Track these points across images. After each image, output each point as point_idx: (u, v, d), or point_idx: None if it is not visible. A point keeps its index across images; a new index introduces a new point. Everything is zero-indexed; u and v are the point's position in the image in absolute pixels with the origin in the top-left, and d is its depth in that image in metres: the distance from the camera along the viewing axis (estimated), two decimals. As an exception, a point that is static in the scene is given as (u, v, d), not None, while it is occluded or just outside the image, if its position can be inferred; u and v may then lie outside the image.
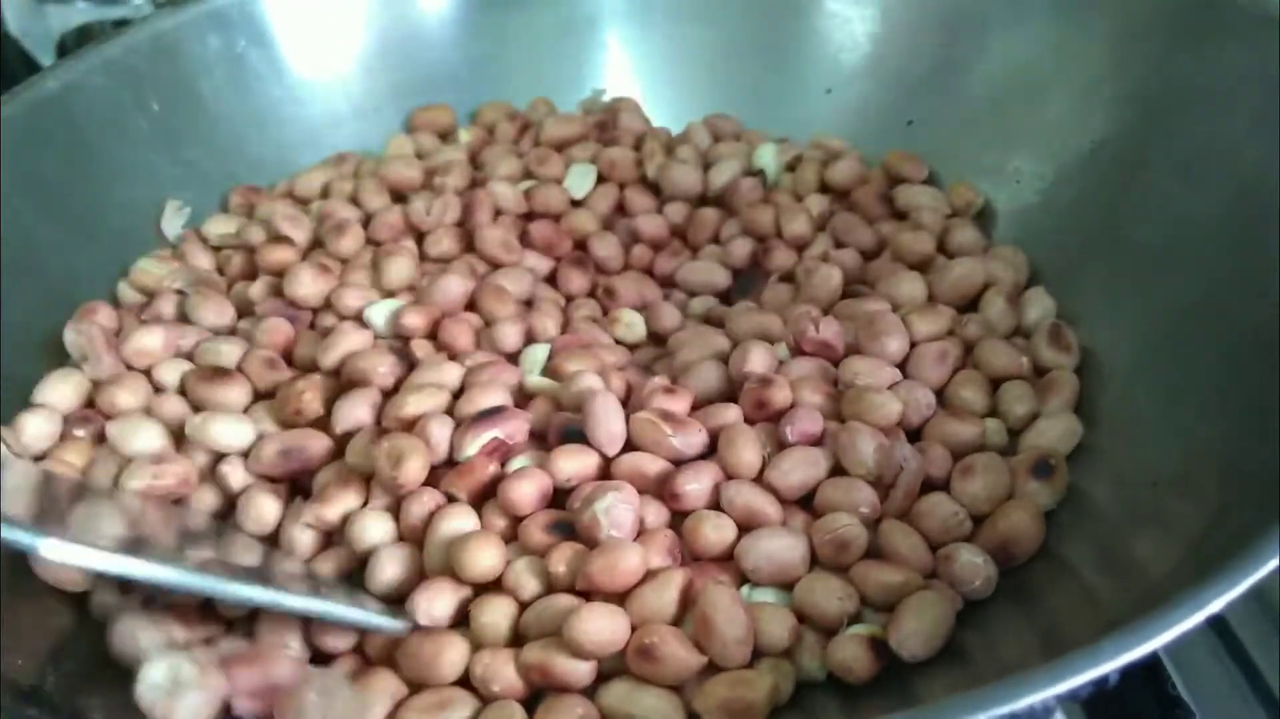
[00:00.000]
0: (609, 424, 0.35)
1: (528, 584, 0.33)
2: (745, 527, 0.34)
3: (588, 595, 0.32)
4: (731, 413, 0.36)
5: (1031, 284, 0.43)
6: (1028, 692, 0.22)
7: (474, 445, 0.35)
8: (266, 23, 0.51)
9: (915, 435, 0.37)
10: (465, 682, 0.31)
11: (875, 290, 0.43)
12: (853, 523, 0.33)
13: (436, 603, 0.32)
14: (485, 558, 0.32)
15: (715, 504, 0.35)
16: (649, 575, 0.32)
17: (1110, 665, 0.22)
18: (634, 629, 0.31)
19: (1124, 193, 0.41)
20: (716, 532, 0.33)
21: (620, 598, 0.32)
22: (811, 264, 0.44)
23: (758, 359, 0.38)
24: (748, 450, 0.35)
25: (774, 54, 0.54)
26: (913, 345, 0.39)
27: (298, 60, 0.52)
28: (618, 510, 0.33)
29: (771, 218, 0.47)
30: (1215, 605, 0.23)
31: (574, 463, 0.35)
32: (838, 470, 0.35)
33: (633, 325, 0.44)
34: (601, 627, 0.30)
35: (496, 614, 0.32)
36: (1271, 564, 0.24)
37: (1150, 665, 0.36)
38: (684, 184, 0.50)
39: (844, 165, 0.49)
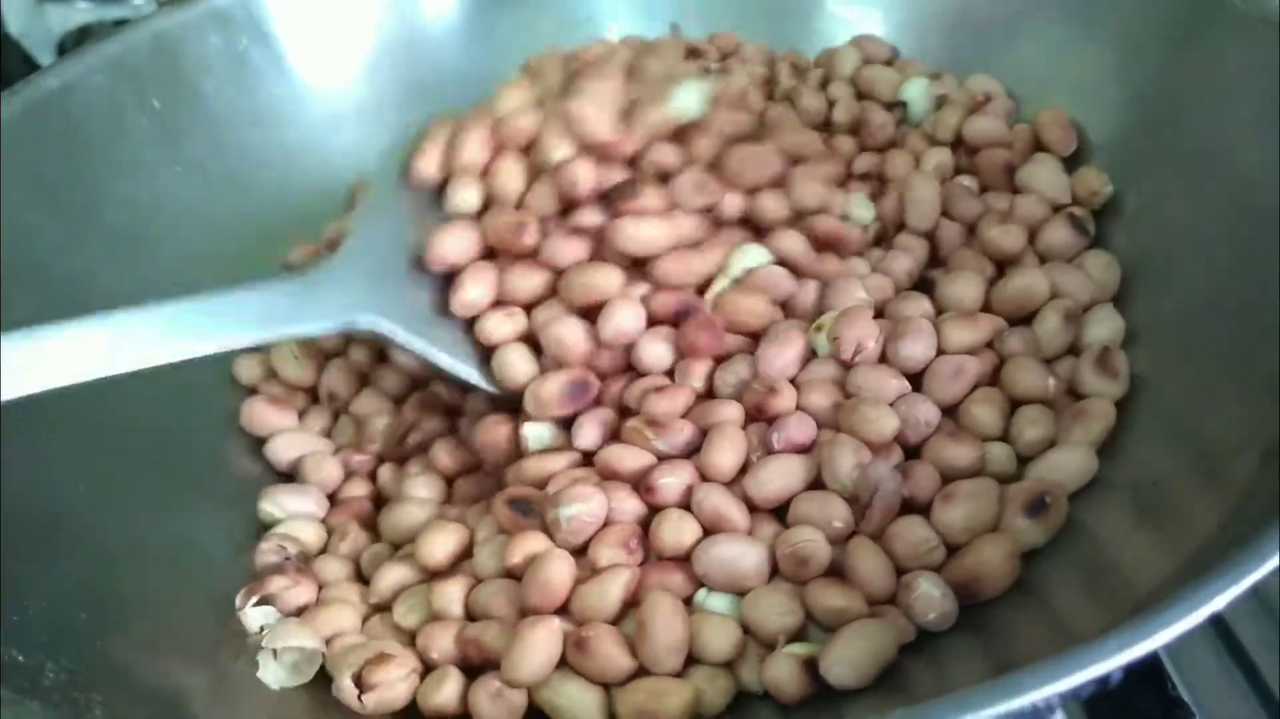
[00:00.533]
0: (592, 434, 0.37)
1: (489, 565, 0.34)
2: (711, 530, 0.34)
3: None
4: (728, 411, 0.36)
5: (1120, 297, 0.39)
6: (1027, 689, 0.22)
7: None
8: (269, 22, 0.51)
9: (916, 453, 0.35)
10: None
11: (943, 280, 0.40)
12: (816, 538, 0.32)
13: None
14: (440, 547, 0.35)
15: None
16: (595, 573, 0.33)
17: (1113, 663, 0.22)
18: (580, 623, 0.32)
19: (1124, 195, 0.41)
20: (674, 534, 0.33)
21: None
22: (900, 241, 0.43)
23: (781, 359, 0.37)
24: (726, 454, 0.35)
25: (775, 56, 0.54)
26: (941, 354, 0.37)
27: (300, 60, 0.52)
28: (579, 521, 0.33)
29: (908, 165, 0.45)
30: (1219, 602, 0.23)
31: (550, 464, 0.37)
32: (820, 483, 0.34)
33: (865, 205, 0.44)
34: (538, 655, 0.31)
35: (449, 599, 0.34)
36: (1272, 563, 0.24)
37: (1150, 666, 0.36)
38: (808, 113, 0.48)
39: (982, 123, 0.45)
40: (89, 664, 0.30)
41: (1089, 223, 0.41)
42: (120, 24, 0.62)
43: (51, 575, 0.33)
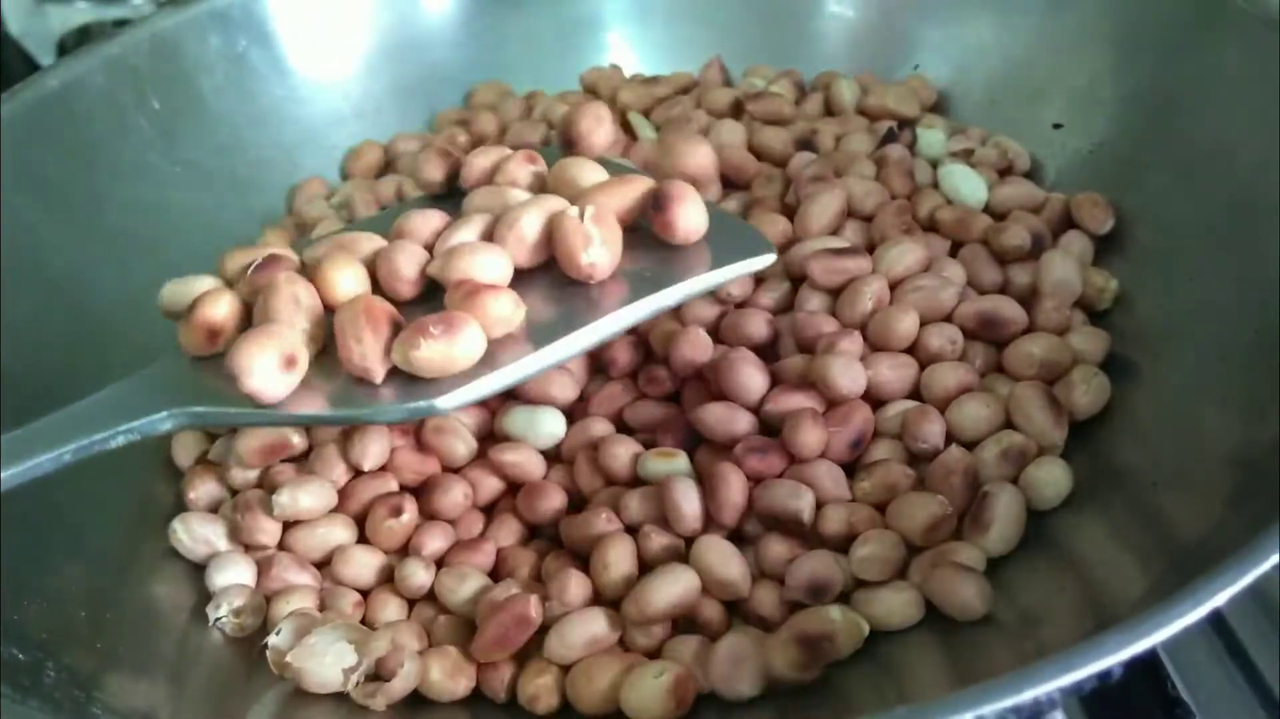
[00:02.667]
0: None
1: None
2: None
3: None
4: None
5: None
6: (1027, 686, 0.22)
7: None
8: (268, 22, 0.51)
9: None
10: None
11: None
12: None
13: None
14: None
15: None
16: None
17: (1112, 659, 0.22)
18: None
19: (1123, 194, 0.41)
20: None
21: None
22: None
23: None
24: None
25: (774, 56, 0.54)
26: None
27: (299, 60, 0.52)
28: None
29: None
30: (1219, 599, 0.23)
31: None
32: None
33: None
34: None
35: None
36: (1273, 559, 0.24)
37: (1150, 665, 0.36)
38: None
39: (1012, 192, 0.42)
40: (88, 665, 0.30)
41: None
42: (120, 24, 0.62)
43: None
